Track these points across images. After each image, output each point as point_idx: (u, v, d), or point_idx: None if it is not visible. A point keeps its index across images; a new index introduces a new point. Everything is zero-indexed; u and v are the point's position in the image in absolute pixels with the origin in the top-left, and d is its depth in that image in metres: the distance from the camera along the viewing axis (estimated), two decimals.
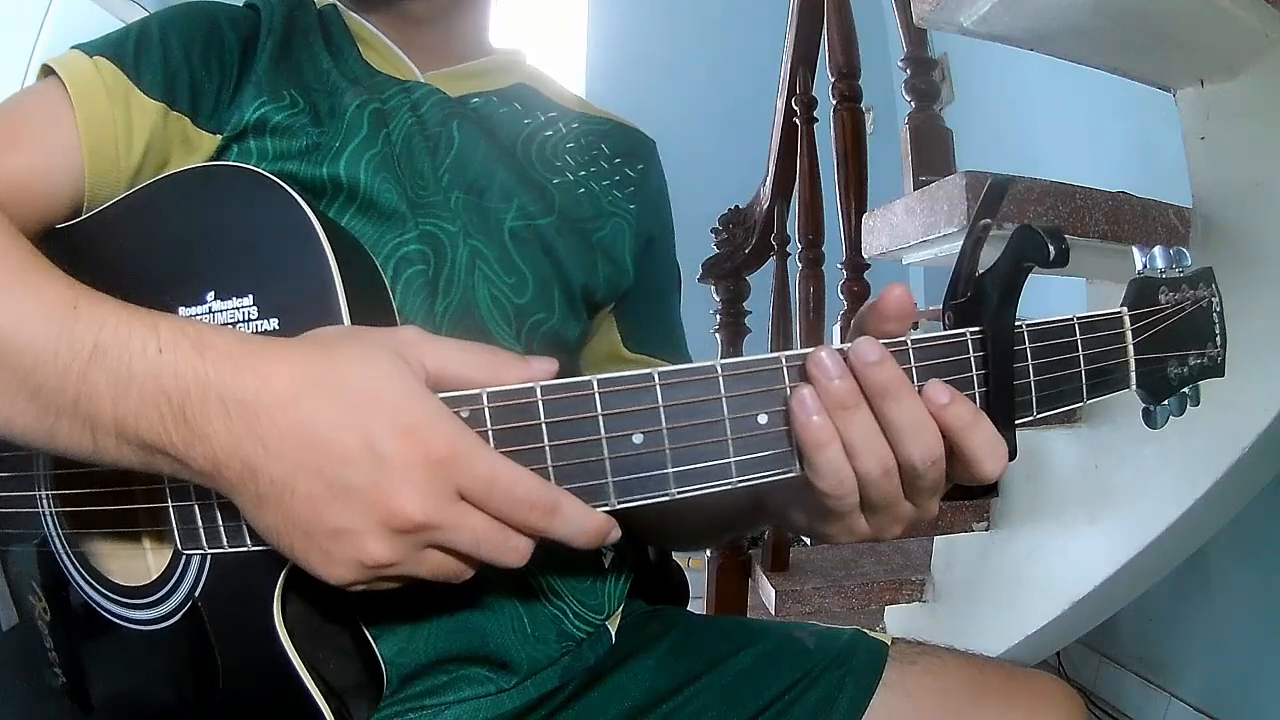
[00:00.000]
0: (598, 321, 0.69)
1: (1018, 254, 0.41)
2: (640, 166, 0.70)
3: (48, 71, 0.53)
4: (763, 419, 0.40)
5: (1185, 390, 0.49)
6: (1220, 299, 0.50)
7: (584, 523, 0.39)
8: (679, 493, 0.40)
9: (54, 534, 0.50)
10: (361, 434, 0.35)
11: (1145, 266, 0.48)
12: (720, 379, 0.39)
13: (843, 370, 0.39)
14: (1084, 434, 1.17)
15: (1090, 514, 1.16)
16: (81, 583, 0.49)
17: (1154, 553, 1.08)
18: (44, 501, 0.49)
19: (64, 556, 0.49)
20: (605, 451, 0.39)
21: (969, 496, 1.29)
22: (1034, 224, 0.41)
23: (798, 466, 0.41)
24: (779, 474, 0.41)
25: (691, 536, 0.67)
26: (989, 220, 0.43)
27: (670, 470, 0.39)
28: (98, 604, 0.48)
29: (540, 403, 0.39)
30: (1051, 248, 0.40)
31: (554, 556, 0.59)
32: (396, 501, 0.35)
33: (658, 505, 0.39)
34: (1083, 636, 1.49)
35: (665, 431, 0.39)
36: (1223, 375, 0.50)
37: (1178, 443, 1.03)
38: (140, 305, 0.39)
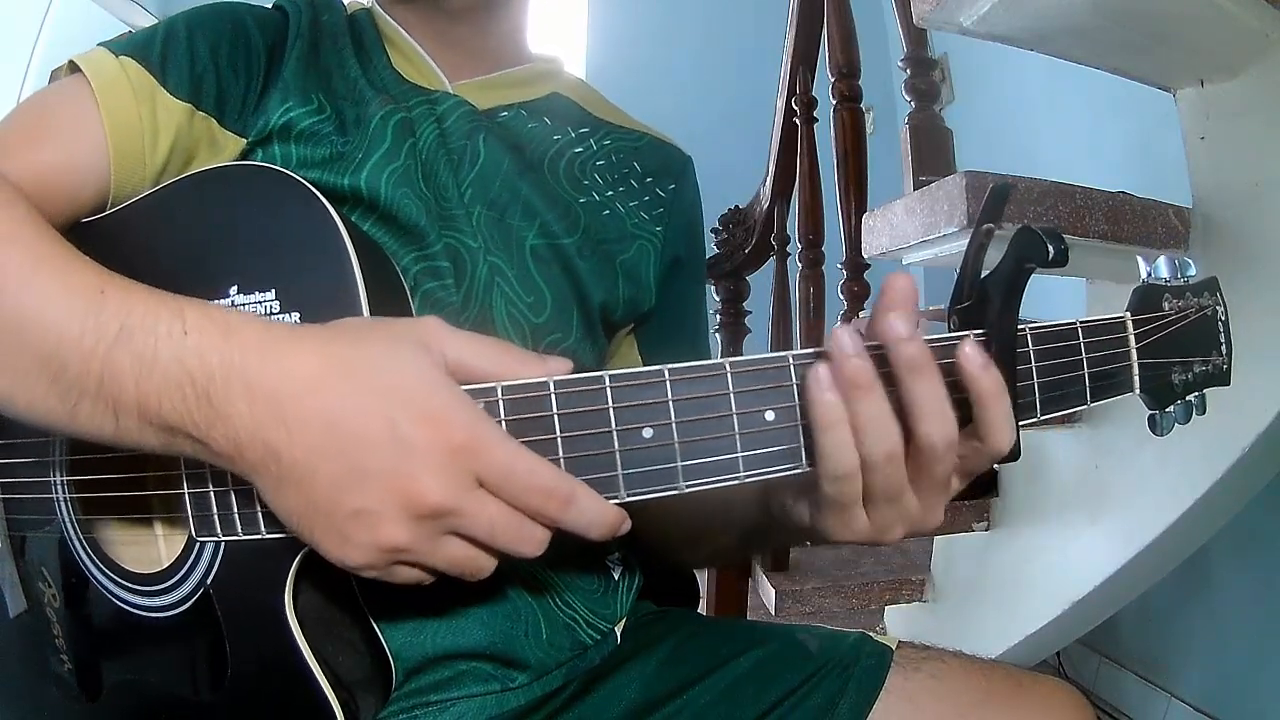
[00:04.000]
0: (616, 342, 0.68)
1: (1018, 255, 0.42)
2: (672, 186, 0.69)
3: (73, 68, 0.52)
4: (770, 415, 0.41)
5: (1191, 398, 0.49)
6: (1225, 309, 0.50)
7: (598, 514, 0.39)
8: (688, 486, 0.40)
9: (67, 520, 0.50)
10: (385, 420, 0.36)
11: (1150, 275, 0.49)
12: (729, 375, 0.41)
13: (860, 350, 0.39)
14: (1084, 434, 1.17)
15: (1090, 514, 1.16)
16: (92, 569, 0.49)
17: (1154, 553, 1.08)
18: (58, 487, 0.50)
19: (76, 543, 0.50)
20: (616, 444, 0.40)
21: (970, 495, 1.29)
22: (1033, 225, 0.42)
23: (804, 462, 0.41)
24: (785, 469, 0.41)
25: (707, 553, 0.66)
26: (991, 225, 0.44)
27: (679, 464, 0.40)
28: (108, 590, 0.49)
29: (553, 396, 0.40)
30: (1051, 248, 0.41)
31: (565, 571, 0.60)
32: (417, 486, 0.36)
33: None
34: (1083, 636, 1.49)
35: (675, 426, 0.40)
36: (1228, 384, 0.50)
37: (1177, 443, 1.02)
38: None
